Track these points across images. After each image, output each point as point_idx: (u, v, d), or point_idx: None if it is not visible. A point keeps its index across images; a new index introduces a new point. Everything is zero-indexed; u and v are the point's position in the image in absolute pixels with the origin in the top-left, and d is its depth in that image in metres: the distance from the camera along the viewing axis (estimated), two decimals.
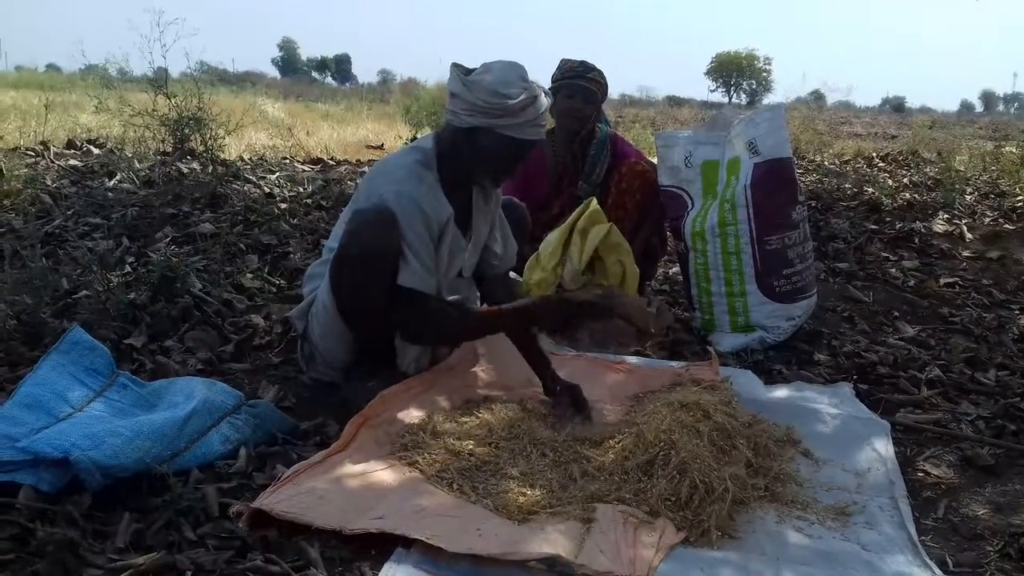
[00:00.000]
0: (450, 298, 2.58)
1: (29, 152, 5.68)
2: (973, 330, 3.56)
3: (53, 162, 5.34)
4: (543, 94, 2.34)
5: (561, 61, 3.65)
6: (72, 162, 5.39)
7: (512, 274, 3.19)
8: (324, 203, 4.65)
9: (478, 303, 2.73)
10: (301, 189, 4.95)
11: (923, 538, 1.98)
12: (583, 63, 3.62)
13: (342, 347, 2.51)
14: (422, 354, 2.58)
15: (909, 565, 1.84)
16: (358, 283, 2.36)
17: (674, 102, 35.63)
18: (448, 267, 2.52)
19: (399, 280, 2.33)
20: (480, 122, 2.31)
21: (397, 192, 2.35)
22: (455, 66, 2.37)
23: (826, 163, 8.61)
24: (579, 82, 3.56)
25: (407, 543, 1.72)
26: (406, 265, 2.33)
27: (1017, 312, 3.88)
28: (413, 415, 2.31)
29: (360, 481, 1.95)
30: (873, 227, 5.16)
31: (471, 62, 2.42)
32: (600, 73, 3.62)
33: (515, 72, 2.32)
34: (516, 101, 2.26)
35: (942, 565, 1.86)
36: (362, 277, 2.34)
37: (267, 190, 4.81)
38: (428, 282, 2.37)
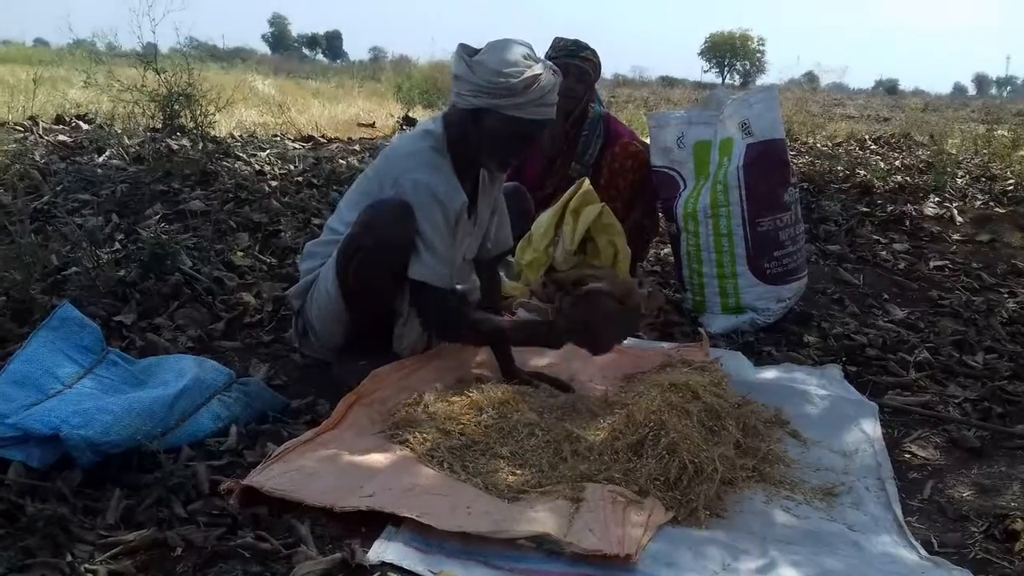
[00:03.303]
0: (458, 287, 2.56)
1: (17, 127, 5.63)
2: (962, 313, 3.58)
3: (42, 137, 5.29)
4: (550, 72, 2.28)
5: (554, 40, 3.62)
6: (61, 137, 5.34)
7: (510, 257, 3.19)
8: (315, 181, 4.62)
9: (478, 290, 2.72)
10: (292, 167, 4.92)
11: (909, 519, 2.00)
12: (576, 42, 3.59)
13: (339, 329, 2.50)
14: (419, 340, 2.57)
15: (895, 545, 1.86)
16: (368, 275, 2.34)
17: (667, 82, 35.48)
18: (458, 254, 2.50)
19: (410, 273, 2.31)
20: (484, 103, 2.27)
21: (415, 182, 2.32)
22: (461, 47, 2.32)
23: (818, 145, 8.62)
24: (572, 61, 3.54)
25: (397, 521, 1.73)
26: (417, 258, 2.31)
27: (1006, 296, 3.90)
28: (404, 394, 2.31)
29: (351, 459, 1.96)
30: (864, 210, 5.17)
31: (462, 41, 2.38)
32: (593, 52, 3.59)
33: (519, 51, 2.27)
34: (519, 80, 2.21)
35: (927, 546, 1.88)
36: (373, 269, 2.33)
37: (258, 167, 4.78)
38: (442, 275, 2.35)
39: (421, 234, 2.30)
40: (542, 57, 2.32)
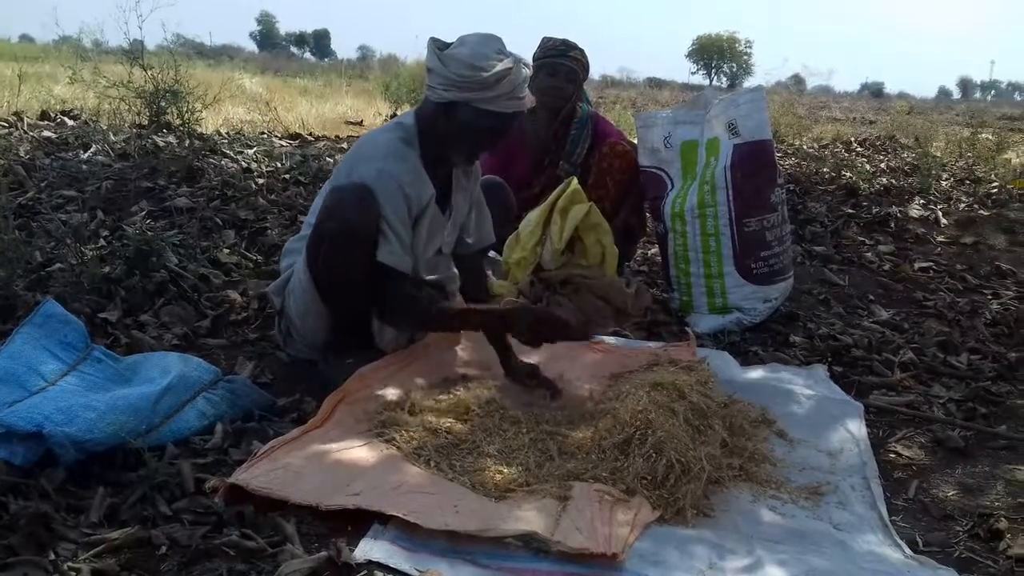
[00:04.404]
0: (429, 277, 2.56)
1: (2, 123, 5.59)
2: (946, 314, 3.60)
3: (26, 133, 5.24)
4: (521, 65, 2.29)
5: (542, 39, 3.63)
6: (46, 133, 5.30)
7: (493, 253, 3.19)
8: (302, 179, 4.60)
9: (457, 281, 2.71)
10: (279, 164, 4.89)
11: (894, 518, 2.01)
12: (564, 42, 3.60)
13: (320, 324, 2.49)
14: (400, 334, 2.57)
15: (880, 544, 1.87)
16: (335, 260, 2.33)
17: (655, 84, 35.53)
18: (427, 245, 2.50)
19: (378, 256, 2.30)
20: (456, 96, 2.27)
21: (378, 170, 2.31)
22: (432, 40, 2.32)
23: (805, 147, 8.66)
24: (560, 61, 3.55)
25: (384, 519, 1.73)
26: (386, 242, 2.30)
27: (990, 297, 3.92)
28: (391, 392, 2.30)
29: (337, 457, 1.95)
30: (850, 211, 5.20)
31: (451, 39, 2.38)
32: (581, 52, 3.60)
33: (490, 45, 2.28)
34: (490, 73, 2.22)
35: (912, 545, 1.89)
36: (338, 254, 2.31)
37: (244, 165, 4.75)
38: (404, 261, 2.35)
39: (385, 219, 2.30)
40: (513, 52, 2.32)
